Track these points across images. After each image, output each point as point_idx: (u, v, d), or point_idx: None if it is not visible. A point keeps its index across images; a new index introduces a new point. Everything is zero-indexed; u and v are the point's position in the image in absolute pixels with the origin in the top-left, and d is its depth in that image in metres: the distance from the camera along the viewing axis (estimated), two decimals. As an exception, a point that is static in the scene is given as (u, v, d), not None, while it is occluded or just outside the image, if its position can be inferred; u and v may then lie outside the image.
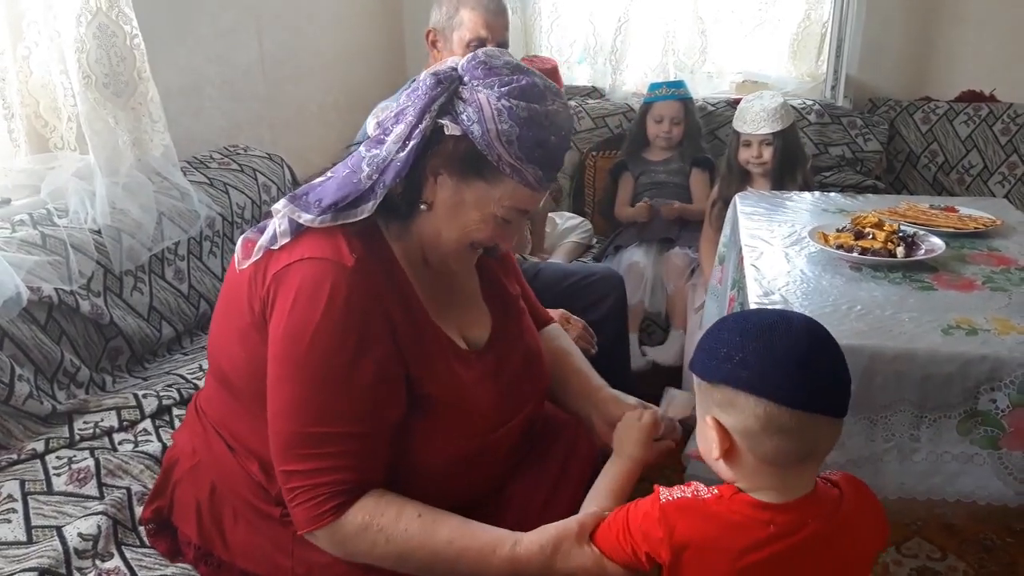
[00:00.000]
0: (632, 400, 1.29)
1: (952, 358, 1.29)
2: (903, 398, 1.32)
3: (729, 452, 0.92)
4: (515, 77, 1.04)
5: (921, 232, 1.76)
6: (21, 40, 1.74)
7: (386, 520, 1.04)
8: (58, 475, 1.36)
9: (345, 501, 1.04)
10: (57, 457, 1.41)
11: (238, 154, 2.37)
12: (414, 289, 1.12)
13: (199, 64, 2.34)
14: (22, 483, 1.32)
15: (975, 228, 1.85)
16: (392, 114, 1.06)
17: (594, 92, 3.44)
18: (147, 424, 1.54)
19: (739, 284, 1.69)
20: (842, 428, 0.93)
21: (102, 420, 1.53)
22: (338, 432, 1.03)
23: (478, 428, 1.13)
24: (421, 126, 1.03)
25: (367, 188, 1.04)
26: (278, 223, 1.06)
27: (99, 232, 1.78)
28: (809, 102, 3.17)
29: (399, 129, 1.03)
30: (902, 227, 1.75)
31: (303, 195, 1.07)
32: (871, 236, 1.70)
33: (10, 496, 1.29)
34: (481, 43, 1.93)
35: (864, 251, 1.64)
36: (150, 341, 1.84)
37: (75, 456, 1.41)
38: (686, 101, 2.93)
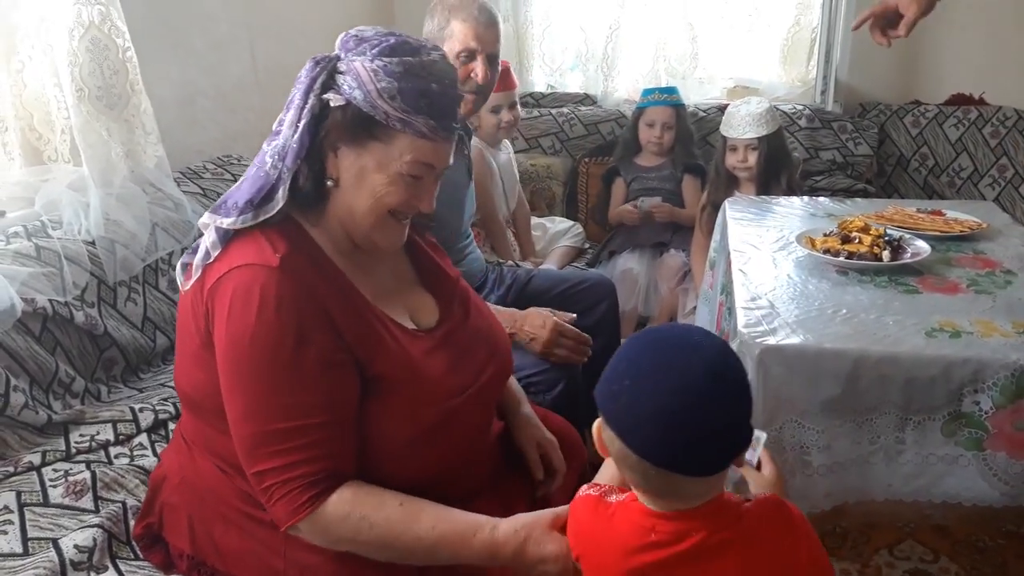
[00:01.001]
0: (547, 433, 1.39)
1: (935, 361, 1.30)
2: (888, 400, 1.33)
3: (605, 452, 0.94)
4: (385, 39, 1.09)
5: (907, 236, 1.78)
6: (15, 54, 1.76)
7: (368, 508, 1.07)
8: (54, 487, 1.36)
9: (321, 491, 1.06)
10: (54, 470, 1.42)
11: (232, 164, 2.39)
12: (345, 277, 1.15)
13: (192, 76, 2.36)
14: (18, 495, 1.33)
15: (961, 231, 1.87)
16: (284, 110, 1.11)
17: (586, 99, 3.46)
18: (143, 438, 1.55)
19: (727, 289, 1.70)
20: (716, 478, 0.89)
21: (98, 433, 1.53)
22: (299, 425, 1.05)
23: (433, 397, 1.15)
24: (307, 106, 1.07)
25: (275, 179, 1.08)
26: (207, 237, 1.10)
27: (93, 243, 1.78)
28: (799, 107, 3.19)
29: (289, 115, 1.09)
30: (888, 231, 1.77)
31: (222, 203, 1.11)
32: (857, 240, 1.71)
33: (7, 507, 1.30)
34: (471, 55, 1.95)
35: (850, 255, 1.66)
36: (144, 351, 1.85)
37: (71, 469, 1.42)
38: (678, 107, 2.95)
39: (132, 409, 1.59)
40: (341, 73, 1.08)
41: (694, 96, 3.33)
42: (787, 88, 3.34)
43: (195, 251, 1.13)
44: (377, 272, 1.23)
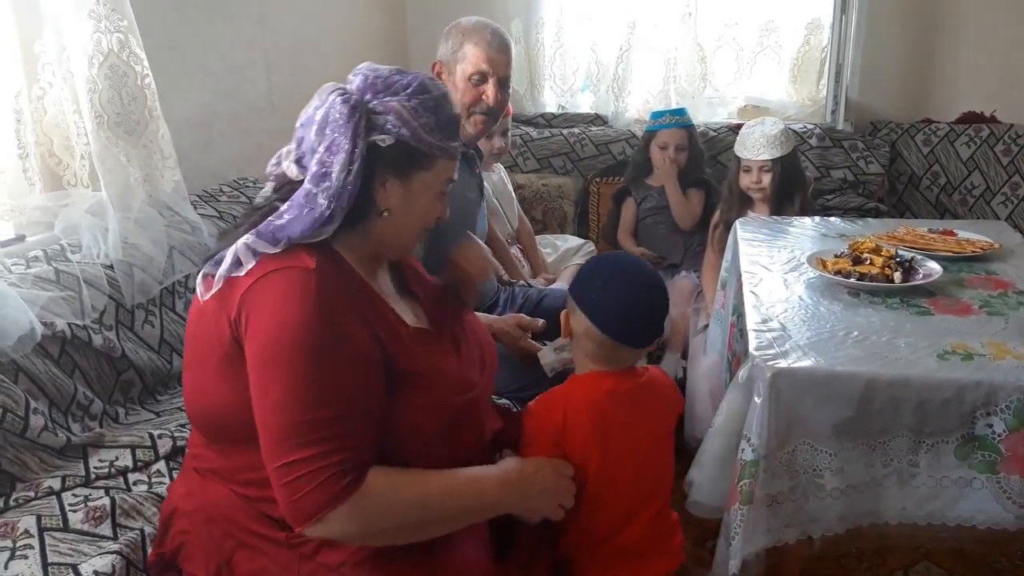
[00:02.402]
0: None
1: (948, 384, 1.30)
2: (900, 423, 1.33)
3: (568, 335, 1.41)
4: (406, 79, 1.20)
5: (919, 257, 1.78)
6: (36, 81, 1.79)
7: (396, 474, 1.14)
8: (74, 511, 1.37)
9: (356, 478, 1.08)
10: (74, 495, 1.43)
11: (247, 187, 2.42)
12: (366, 282, 1.23)
13: (208, 99, 2.39)
14: (39, 518, 1.34)
15: (973, 252, 1.87)
16: (322, 150, 1.15)
17: (597, 119, 3.48)
18: (161, 465, 1.56)
19: (739, 310, 1.71)
20: (643, 351, 1.41)
21: (117, 459, 1.55)
22: (334, 415, 1.08)
23: (453, 391, 1.24)
24: (358, 149, 1.14)
25: (328, 215, 1.14)
26: (241, 253, 1.13)
27: (111, 267, 1.81)
28: (810, 126, 3.20)
29: (339, 158, 1.14)
30: (899, 252, 1.77)
31: (270, 233, 1.14)
32: (869, 261, 1.72)
33: (27, 532, 1.31)
34: (483, 78, 1.98)
35: (862, 277, 1.66)
36: (161, 373, 1.87)
37: (91, 495, 1.43)
38: (689, 128, 2.96)
39: (151, 435, 1.61)
40: (378, 114, 1.16)
41: (704, 116, 3.34)
42: (798, 107, 3.35)
43: (218, 262, 1.14)
44: (381, 280, 1.30)
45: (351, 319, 1.13)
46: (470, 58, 1.98)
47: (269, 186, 1.26)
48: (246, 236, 1.14)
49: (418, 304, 1.36)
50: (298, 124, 1.21)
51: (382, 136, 1.15)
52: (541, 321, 1.89)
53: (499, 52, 1.99)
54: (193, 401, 1.24)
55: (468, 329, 1.41)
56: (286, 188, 1.21)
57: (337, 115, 1.14)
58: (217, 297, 1.13)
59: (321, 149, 1.14)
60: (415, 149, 1.18)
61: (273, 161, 1.24)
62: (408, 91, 1.18)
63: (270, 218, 1.15)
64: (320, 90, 1.21)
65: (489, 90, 2.00)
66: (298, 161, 1.19)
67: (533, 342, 1.87)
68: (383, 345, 1.16)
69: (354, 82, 1.20)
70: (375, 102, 1.17)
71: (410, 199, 1.22)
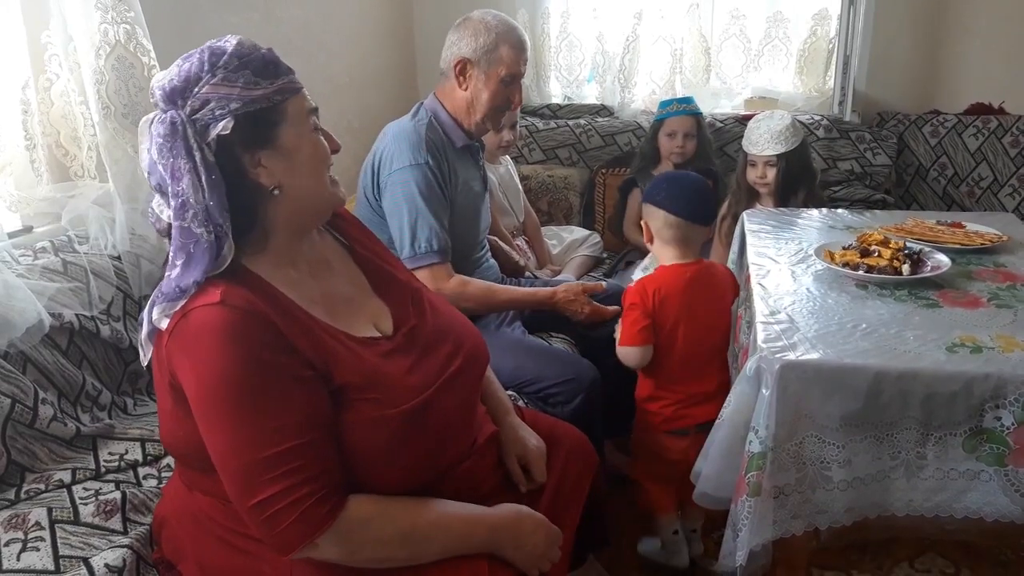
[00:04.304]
0: (533, 441, 1.45)
1: (956, 376, 1.29)
2: (909, 416, 1.33)
3: (650, 240, 1.91)
4: (193, 63, 1.10)
5: (927, 249, 1.77)
6: (43, 72, 1.79)
7: (384, 504, 1.14)
8: (85, 505, 1.38)
9: (335, 503, 1.08)
10: (84, 488, 1.43)
11: (253, 178, 2.41)
12: (286, 296, 1.15)
13: (215, 91, 2.38)
14: (49, 511, 1.34)
15: (981, 244, 1.86)
16: (171, 181, 1.07)
17: (603, 110, 3.48)
18: (170, 460, 1.56)
19: (746, 303, 1.71)
20: (707, 230, 1.94)
21: (127, 452, 1.56)
22: (289, 447, 1.05)
23: (396, 399, 1.17)
24: (198, 159, 1.06)
25: (215, 240, 1.08)
26: (155, 317, 1.10)
27: (119, 258, 1.82)
28: (817, 117, 3.19)
29: (187, 180, 1.06)
30: (908, 244, 1.77)
31: (169, 288, 1.09)
32: (877, 253, 1.71)
33: (38, 524, 1.31)
34: (514, 79, 2.03)
35: (870, 269, 1.66)
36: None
37: (102, 488, 1.44)
38: (698, 116, 2.96)
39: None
40: (199, 110, 1.08)
41: (711, 107, 3.33)
42: (805, 98, 3.33)
43: (142, 324, 1.14)
44: (331, 285, 1.25)
45: (272, 344, 1.08)
46: (506, 60, 2.00)
47: (165, 242, 1.16)
48: (153, 294, 1.11)
49: (383, 304, 1.32)
50: (146, 174, 1.12)
51: (220, 126, 1.07)
52: (603, 284, 2.08)
53: (526, 52, 2.05)
54: (163, 436, 1.24)
55: (441, 328, 1.35)
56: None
57: (161, 140, 1.07)
58: (155, 352, 1.13)
59: (169, 180, 1.07)
60: (258, 112, 1.10)
61: (152, 220, 1.16)
62: (205, 69, 1.09)
63: (167, 271, 1.11)
64: (140, 127, 1.14)
65: (517, 91, 2.05)
66: (170, 205, 1.10)
67: (600, 305, 2.08)
68: (313, 363, 1.11)
69: (156, 102, 1.11)
70: (189, 104, 1.08)
71: (291, 156, 1.14)
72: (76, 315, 1.65)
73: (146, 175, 1.12)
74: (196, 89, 1.08)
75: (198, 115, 1.08)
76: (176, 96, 1.09)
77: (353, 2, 3.17)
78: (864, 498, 1.38)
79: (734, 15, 3.31)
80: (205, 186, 1.06)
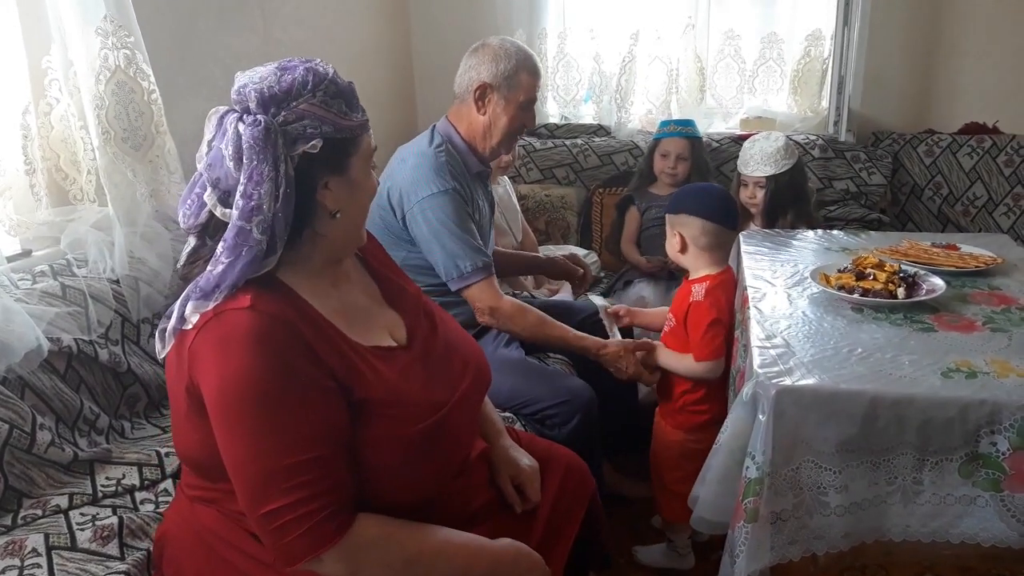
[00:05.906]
0: (525, 460, 1.46)
1: (952, 402, 1.30)
2: (905, 441, 1.33)
3: (683, 249, 1.96)
4: (296, 76, 1.12)
5: (922, 272, 1.78)
6: (43, 97, 1.80)
7: (393, 527, 1.15)
8: (82, 530, 1.38)
9: (343, 520, 1.08)
10: (81, 514, 1.43)
11: (251, 199, 2.42)
12: (315, 309, 1.17)
13: (214, 112, 2.39)
14: (46, 537, 1.34)
15: (976, 266, 1.87)
16: (245, 182, 1.08)
17: (600, 130, 3.49)
18: (168, 484, 1.56)
19: (743, 326, 1.71)
20: (736, 234, 2.07)
21: (124, 477, 1.56)
22: (308, 458, 1.06)
23: (416, 415, 1.19)
24: (282, 170, 1.09)
25: (265, 248, 1.10)
26: (187, 310, 1.10)
27: (117, 282, 1.83)
28: (813, 137, 3.21)
29: (266, 187, 1.08)
30: (903, 267, 1.77)
31: (207, 283, 1.09)
32: (872, 277, 1.72)
33: (35, 550, 1.31)
34: (530, 104, 2.07)
35: (865, 292, 1.66)
36: (166, 387, 1.87)
37: (98, 514, 1.44)
38: (693, 139, 2.98)
39: (158, 453, 1.61)
40: (292, 123, 1.11)
41: (706, 127, 3.35)
42: (800, 118, 3.36)
43: (170, 316, 1.13)
44: (350, 296, 1.27)
45: (297, 353, 1.08)
46: (525, 86, 2.04)
47: (192, 239, 1.17)
48: (189, 288, 1.11)
49: (397, 315, 1.34)
50: (204, 164, 1.13)
51: (311, 144, 1.11)
52: (653, 344, 2.04)
53: (540, 78, 2.10)
54: (176, 441, 1.24)
55: (451, 343, 1.37)
56: (214, 229, 1.15)
57: (251, 142, 1.07)
58: (175, 350, 1.13)
59: (244, 181, 1.08)
60: (342, 139, 1.15)
61: (188, 210, 1.15)
62: (308, 88, 1.12)
63: (208, 267, 1.11)
64: (208, 118, 1.15)
65: (532, 116, 2.10)
66: (223, 201, 1.11)
67: (642, 368, 2.03)
68: (335, 375, 1.12)
69: (248, 101, 1.11)
70: (283, 114, 1.10)
71: (353, 187, 1.19)
72: (75, 339, 1.66)
73: (207, 165, 1.12)
74: (295, 103, 1.11)
75: (289, 127, 1.10)
76: (272, 103, 1.11)
77: (351, 24, 3.19)
78: (861, 523, 1.38)
79: (729, 36, 3.34)
80: (280, 197, 1.09)
